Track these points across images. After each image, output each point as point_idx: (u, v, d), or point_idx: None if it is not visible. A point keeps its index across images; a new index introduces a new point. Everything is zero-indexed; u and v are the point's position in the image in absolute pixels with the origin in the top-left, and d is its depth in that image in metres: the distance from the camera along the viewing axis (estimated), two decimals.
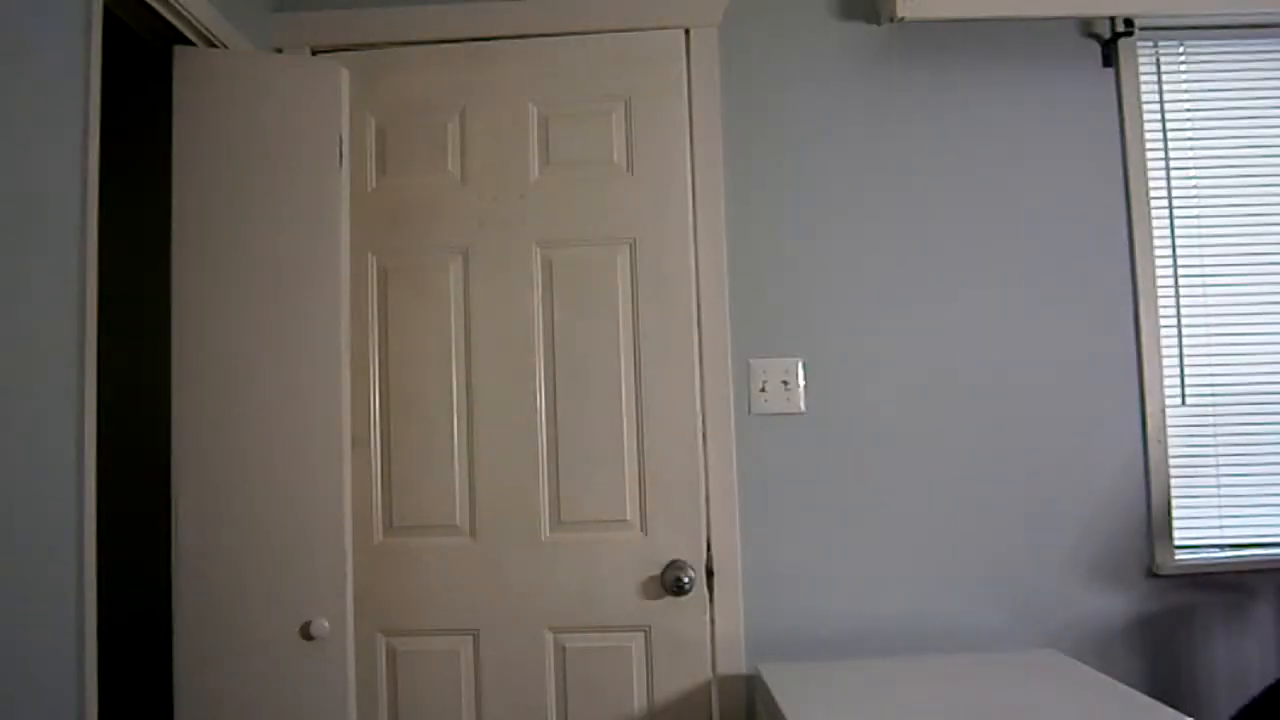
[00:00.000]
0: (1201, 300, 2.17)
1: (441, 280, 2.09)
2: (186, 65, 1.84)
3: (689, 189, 2.09)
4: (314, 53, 2.13)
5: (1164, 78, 2.20)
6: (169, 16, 1.73)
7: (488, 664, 2.01)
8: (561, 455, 2.05)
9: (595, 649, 2.01)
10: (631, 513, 2.04)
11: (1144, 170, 2.15)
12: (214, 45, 1.88)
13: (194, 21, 1.78)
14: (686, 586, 1.98)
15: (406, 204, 2.11)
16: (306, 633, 1.76)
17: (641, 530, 2.03)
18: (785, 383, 2.10)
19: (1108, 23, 2.16)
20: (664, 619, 2.01)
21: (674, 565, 2.00)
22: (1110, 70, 2.17)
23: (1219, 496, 2.15)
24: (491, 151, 2.11)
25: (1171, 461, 2.12)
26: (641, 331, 2.07)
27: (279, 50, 2.13)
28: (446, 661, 2.01)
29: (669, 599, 2.00)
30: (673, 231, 2.08)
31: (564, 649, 2.01)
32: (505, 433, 2.06)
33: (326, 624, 1.75)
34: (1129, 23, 2.14)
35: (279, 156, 1.86)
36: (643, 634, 2.01)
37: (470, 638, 2.02)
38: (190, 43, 1.84)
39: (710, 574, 2.04)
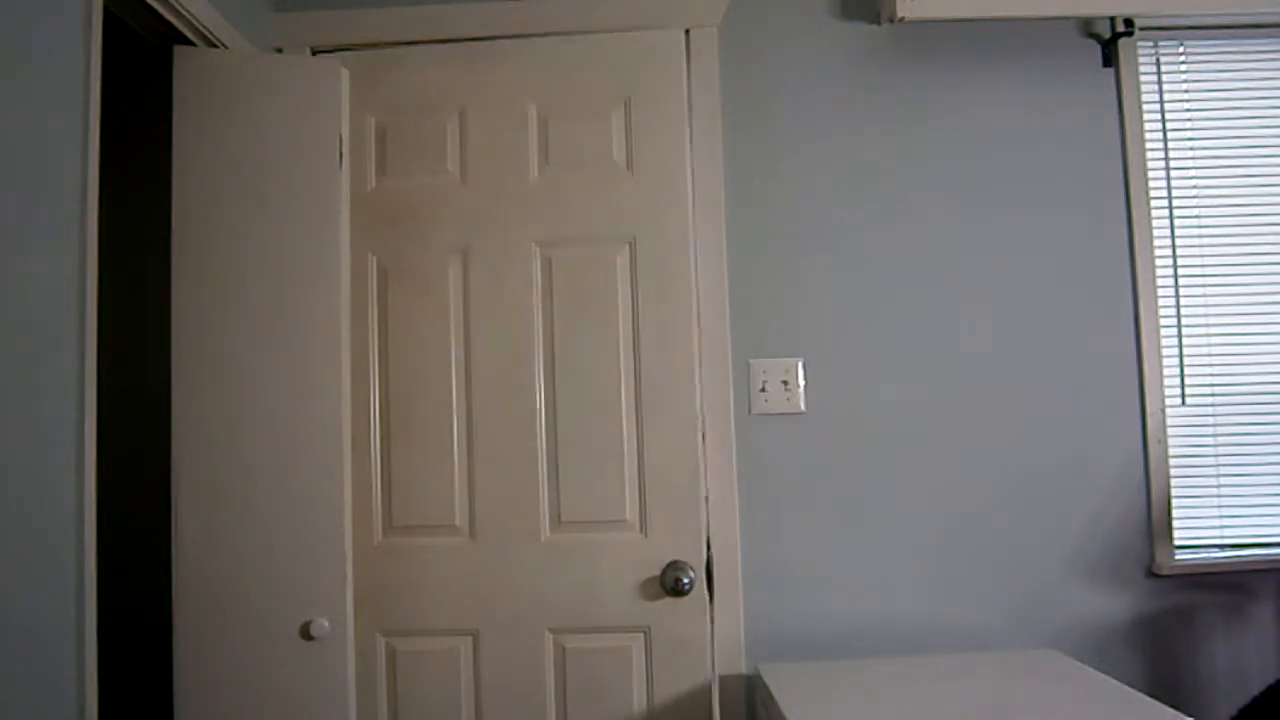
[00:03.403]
0: (1201, 300, 2.17)
1: (441, 280, 2.08)
2: (186, 65, 1.84)
3: (689, 188, 2.08)
4: (314, 53, 2.13)
5: (1164, 78, 2.20)
6: (169, 16, 1.73)
7: (487, 665, 2.00)
8: (561, 455, 2.03)
9: (595, 650, 1.99)
10: (631, 513, 2.01)
11: (1144, 170, 2.15)
12: (214, 45, 1.88)
13: (194, 21, 1.78)
14: (686, 587, 1.96)
15: (406, 204, 2.10)
16: (306, 632, 1.76)
17: (641, 531, 2.00)
18: (785, 383, 2.10)
19: (1108, 23, 2.17)
20: (664, 620, 1.99)
21: (674, 566, 1.98)
22: (1110, 70, 2.17)
23: (1219, 496, 2.15)
24: (491, 151, 2.10)
25: (1171, 461, 2.12)
26: (641, 331, 2.05)
27: (279, 50, 2.13)
28: (447, 662, 2.00)
29: (668, 600, 1.98)
30: (672, 231, 2.06)
31: (564, 649, 2.00)
32: (505, 432, 2.04)
33: (326, 624, 1.75)
34: (1129, 23, 2.14)
35: (279, 156, 1.86)
36: (642, 635, 1.99)
37: (470, 638, 2.01)
38: (190, 43, 1.84)
39: (710, 574, 2.04)
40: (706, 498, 2.06)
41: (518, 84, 2.11)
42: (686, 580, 1.96)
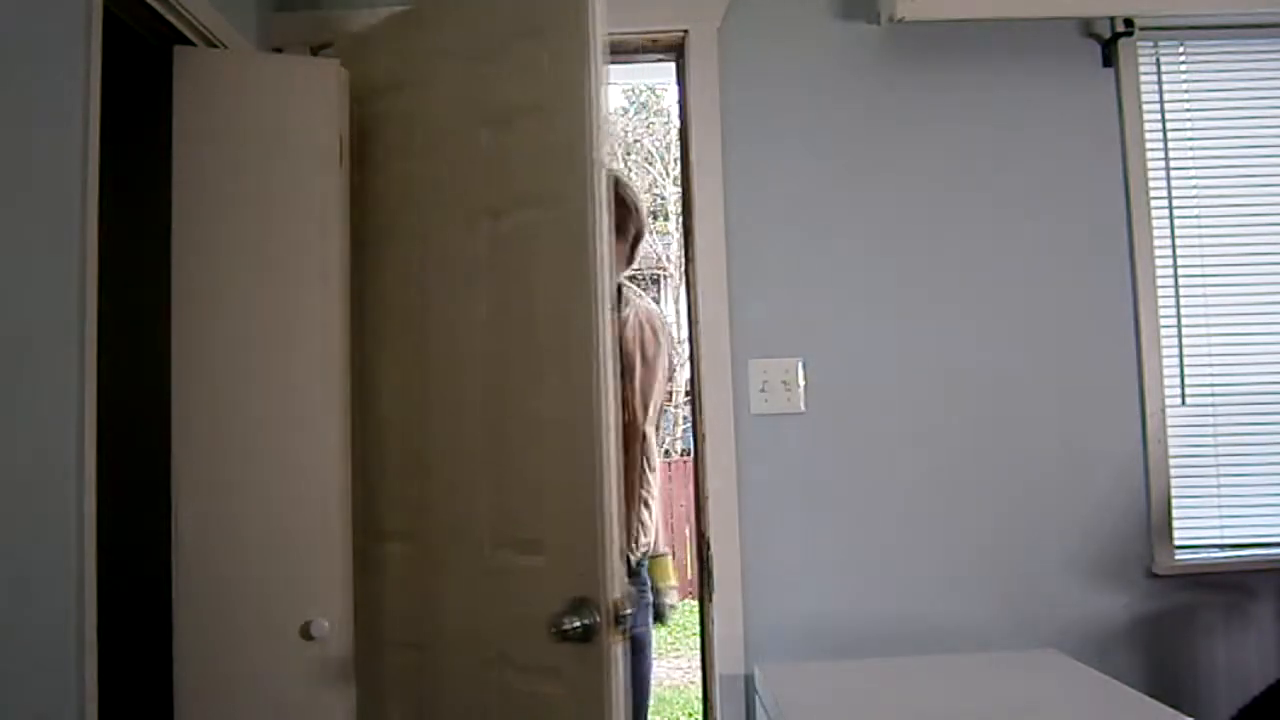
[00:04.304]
0: (1201, 300, 2.16)
1: (402, 270, 1.86)
2: (186, 65, 1.82)
3: (593, 134, 1.52)
4: (314, 52, 2.13)
5: (1164, 78, 2.20)
6: (169, 16, 1.72)
7: (431, 687, 1.77)
8: (490, 460, 1.69)
9: (519, 691, 1.63)
10: (543, 533, 1.59)
11: (1144, 170, 2.15)
12: (214, 45, 1.88)
13: (194, 22, 1.77)
14: (574, 634, 1.43)
15: (381, 192, 1.92)
16: (306, 633, 1.75)
17: (550, 555, 1.57)
18: (785, 383, 2.10)
19: (1108, 23, 2.16)
20: (569, 666, 1.50)
21: (574, 604, 1.45)
22: (1110, 70, 2.17)
23: (1219, 496, 2.14)
24: (443, 119, 1.81)
25: (1171, 461, 2.12)
26: (543, 312, 1.62)
27: (279, 50, 2.13)
28: (403, 678, 1.81)
29: (570, 644, 1.47)
30: (574, 188, 1.53)
31: (496, 684, 1.67)
32: (449, 432, 1.76)
33: (326, 624, 1.75)
34: (1129, 23, 2.14)
35: (279, 156, 1.84)
36: (552, 679, 1.54)
37: (421, 653, 1.79)
38: (190, 42, 1.84)
39: (709, 573, 2.04)
40: (702, 498, 2.04)
41: (453, 38, 1.80)
42: (574, 627, 1.43)
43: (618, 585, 1.46)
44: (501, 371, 1.68)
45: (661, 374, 2.33)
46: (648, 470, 2.26)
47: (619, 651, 1.45)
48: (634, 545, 2.20)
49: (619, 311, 2.24)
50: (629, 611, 1.46)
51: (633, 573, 2.19)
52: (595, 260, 1.51)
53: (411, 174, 1.89)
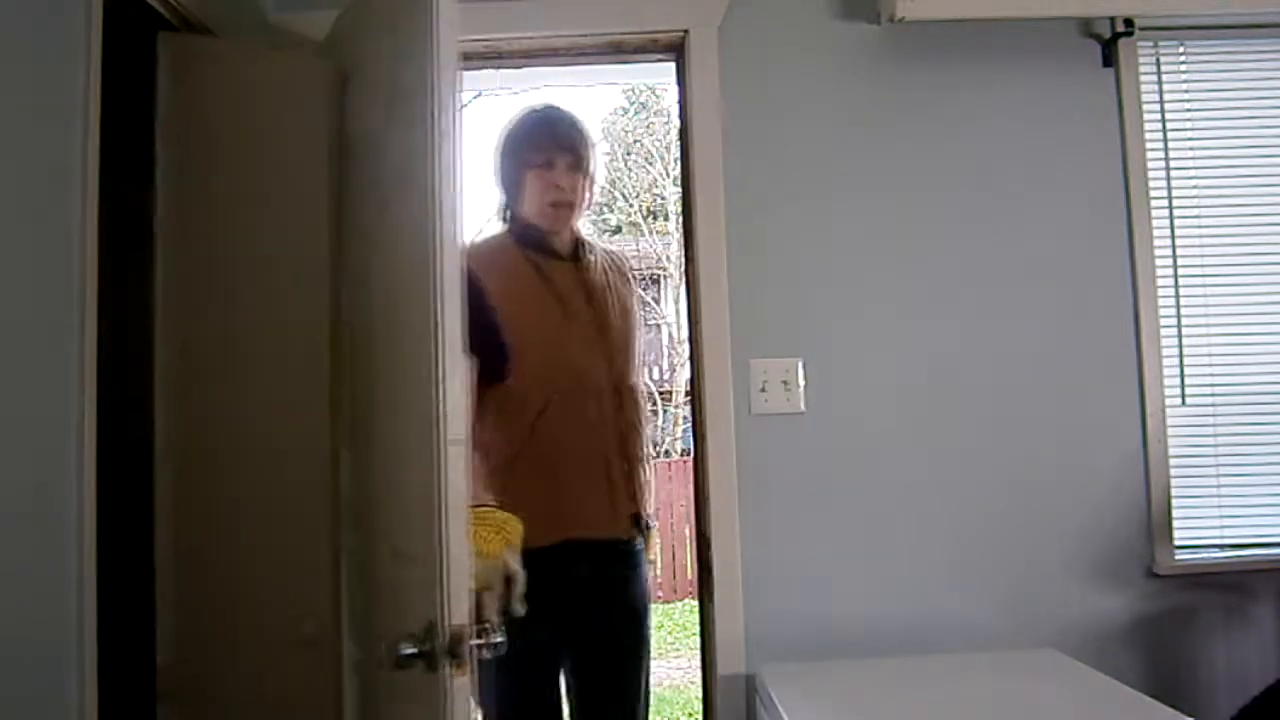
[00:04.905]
0: (1201, 300, 2.16)
1: (355, 266, 1.78)
2: (172, 53, 1.74)
3: (433, 116, 1.38)
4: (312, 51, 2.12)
5: (1164, 78, 2.20)
6: (158, 7, 1.69)
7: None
8: (385, 462, 1.61)
9: (380, 712, 1.56)
10: (414, 547, 1.44)
11: (1144, 170, 2.15)
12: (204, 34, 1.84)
13: (186, 13, 1.75)
14: (405, 660, 1.30)
15: (348, 188, 1.82)
16: (299, 636, 1.73)
17: (416, 571, 1.41)
18: (785, 383, 2.09)
19: (1108, 23, 2.16)
20: (413, 697, 1.38)
21: (426, 628, 1.32)
22: (1110, 70, 2.17)
23: (1219, 496, 2.14)
24: (363, 107, 1.72)
25: (1171, 461, 2.11)
26: (390, 305, 1.54)
27: (277, 49, 2.12)
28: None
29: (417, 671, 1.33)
30: (418, 172, 1.41)
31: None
32: (374, 434, 1.68)
33: (319, 627, 1.73)
34: (1129, 23, 2.14)
35: (271, 152, 1.80)
36: (409, 708, 1.44)
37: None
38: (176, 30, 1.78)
39: (709, 573, 2.04)
40: (705, 496, 2.04)
41: (367, 17, 1.73)
42: (409, 652, 1.31)
43: (460, 612, 1.30)
44: (387, 368, 1.60)
45: (636, 316, 2.16)
46: (642, 427, 2.08)
47: (461, 685, 1.29)
48: (643, 506, 2.03)
49: (583, 257, 2.09)
50: (493, 641, 1.32)
51: (635, 541, 2.05)
52: (434, 243, 1.35)
53: (350, 166, 1.80)
